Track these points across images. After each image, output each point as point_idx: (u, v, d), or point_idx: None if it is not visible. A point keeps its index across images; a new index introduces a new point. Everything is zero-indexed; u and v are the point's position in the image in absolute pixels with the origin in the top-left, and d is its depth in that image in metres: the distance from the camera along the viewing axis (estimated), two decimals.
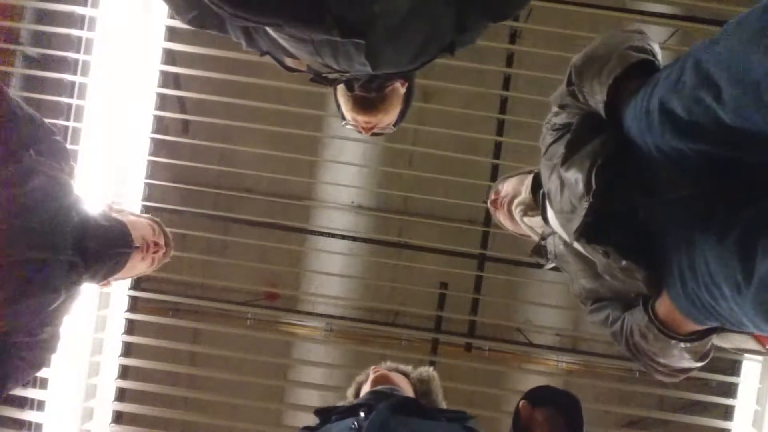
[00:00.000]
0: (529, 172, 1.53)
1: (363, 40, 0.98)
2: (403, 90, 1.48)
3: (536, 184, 1.42)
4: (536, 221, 1.41)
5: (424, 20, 1.04)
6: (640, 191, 1.00)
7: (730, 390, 2.90)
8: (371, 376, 1.51)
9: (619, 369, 3.14)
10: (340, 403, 1.46)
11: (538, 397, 1.24)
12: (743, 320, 0.86)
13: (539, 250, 1.45)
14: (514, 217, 1.49)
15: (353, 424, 1.14)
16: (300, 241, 3.28)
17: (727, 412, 2.92)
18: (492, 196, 1.62)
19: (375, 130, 1.55)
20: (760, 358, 2.82)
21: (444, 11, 1.06)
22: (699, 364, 1.08)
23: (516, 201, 1.46)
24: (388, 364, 1.61)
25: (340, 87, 1.43)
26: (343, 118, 1.55)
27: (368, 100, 1.41)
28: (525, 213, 1.43)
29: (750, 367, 2.85)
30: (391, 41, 1.04)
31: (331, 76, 1.21)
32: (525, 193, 1.45)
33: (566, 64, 1.20)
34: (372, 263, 3.29)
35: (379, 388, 1.40)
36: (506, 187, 1.57)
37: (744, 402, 2.84)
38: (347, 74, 1.18)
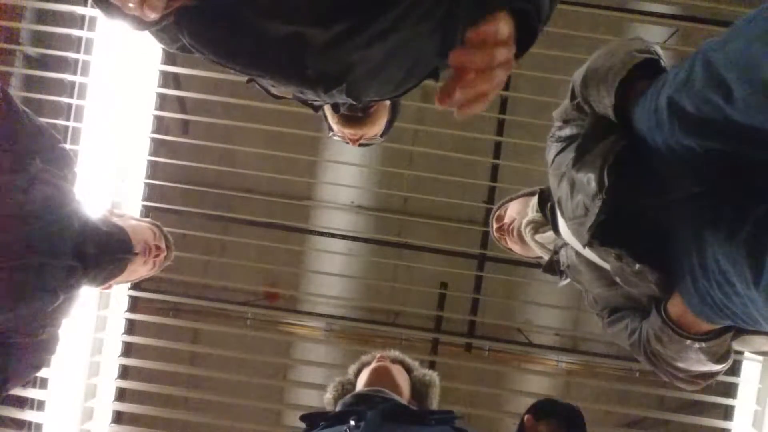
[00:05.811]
0: (530, 194, 1.53)
1: (343, 84, 0.98)
2: (388, 102, 1.46)
3: (542, 201, 1.42)
4: (547, 236, 1.41)
5: (406, 56, 1.02)
6: (651, 190, 1.00)
7: (730, 390, 2.90)
8: (373, 365, 1.49)
9: (619, 369, 3.14)
10: (328, 408, 1.45)
11: (541, 410, 1.28)
12: (757, 317, 0.86)
13: (551, 265, 1.44)
14: (524, 241, 1.48)
15: (345, 431, 1.14)
16: (300, 241, 3.28)
17: (727, 412, 2.92)
18: (495, 224, 1.61)
19: (362, 141, 1.54)
20: (759, 358, 2.82)
21: (427, 43, 1.02)
22: (719, 367, 1.06)
23: (524, 222, 1.46)
24: (397, 354, 1.59)
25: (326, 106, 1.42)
26: (330, 129, 1.54)
27: (355, 116, 1.40)
28: (536, 231, 1.43)
29: (750, 367, 2.85)
30: (371, 80, 1.03)
31: (316, 103, 1.21)
32: (532, 212, 1.45)
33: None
34: (372, 263, 3.29)
35: (367, 391, 1.38)
36: (510, 212, 1.56)
37: (744, 402, 2.84)
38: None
